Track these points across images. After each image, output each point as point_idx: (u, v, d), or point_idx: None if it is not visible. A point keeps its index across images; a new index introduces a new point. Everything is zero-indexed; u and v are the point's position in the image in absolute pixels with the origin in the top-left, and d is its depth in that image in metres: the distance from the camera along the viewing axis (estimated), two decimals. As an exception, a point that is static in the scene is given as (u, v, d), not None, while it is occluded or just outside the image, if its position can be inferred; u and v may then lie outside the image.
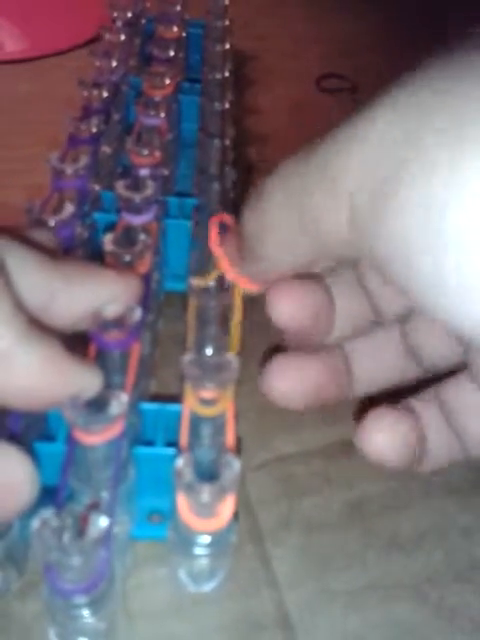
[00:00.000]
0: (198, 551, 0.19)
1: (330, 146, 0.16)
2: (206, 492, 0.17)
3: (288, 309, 0.20)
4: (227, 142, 0.31)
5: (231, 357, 0.19)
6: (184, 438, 0.20)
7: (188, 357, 0.19)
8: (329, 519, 0.24)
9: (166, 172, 0.30)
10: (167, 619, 0.21)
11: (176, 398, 0.22)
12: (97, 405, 0.18)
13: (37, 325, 0.17)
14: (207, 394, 0.19)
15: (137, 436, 0.23)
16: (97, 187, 0.30)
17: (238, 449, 0.20)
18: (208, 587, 0.22)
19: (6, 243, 0.17)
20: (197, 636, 0.21)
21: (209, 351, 0.20)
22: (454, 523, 0.25)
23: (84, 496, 0.19)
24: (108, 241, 0.23)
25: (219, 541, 0.19)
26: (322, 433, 0.27)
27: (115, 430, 0.18)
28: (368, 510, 0.25)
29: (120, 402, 0.18)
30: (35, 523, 0.16)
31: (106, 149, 0.31)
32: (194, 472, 0.18)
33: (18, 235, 0.19)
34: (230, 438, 0.20)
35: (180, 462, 0.18)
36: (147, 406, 0.23)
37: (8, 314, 0.16)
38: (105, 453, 0.19)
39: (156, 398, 0.24)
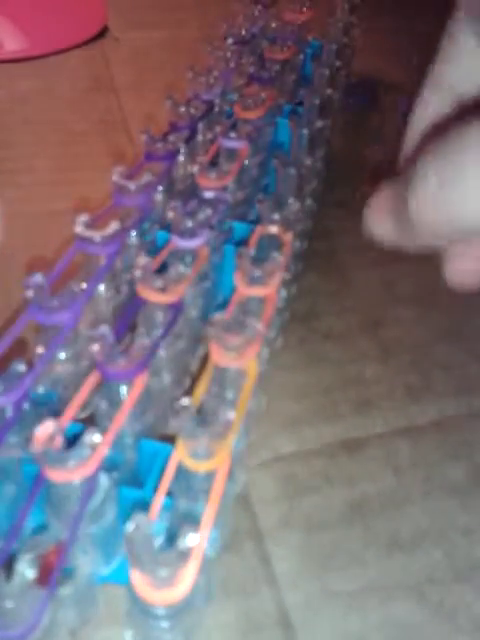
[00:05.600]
0: (153, 623, 0.17)
1: None
2: (159, 565, 0.16)
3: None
4: (303, 171, 0.30)
5: (230, 412, 0.18)
6: (161, 494, 0.18)
7: (183, 403, 0.18)
8: (329, 519, 0.24)
9: (237, 197, 0.29)
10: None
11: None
12: (72, 441, 0.17)
13: None
14: (197, 446, 0.18)
15: (133, 474, 0.22)
16: (165, 202, 0.29)
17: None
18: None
19: None
20: (196, 636, 0.21)
21: (214, 401, 0.19)
22: (454, 523, 0.24)
23: (55, 531, 0.19)
24: (137, 265, 0.23)
25: (177, 614, 0.17)
26: (322, 433, 0.27)
27: (85, 470, 0.17)
28: (368, 510, 0.25)
29: (92, 443, 0.17)
30: None
31: (185, 166, 0.30)
32: (151, 534, 0.16)
33: None
34: (210, 510, 0.18)
35: (132, 527, 0.16)
36: (145, 444, 0.22)
37: None
38: (74, 491, 0.18)
39: (167, 437, 0.23)
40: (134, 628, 0.19)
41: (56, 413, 0.22)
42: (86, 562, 0.19)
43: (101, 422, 0.21)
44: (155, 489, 0.20)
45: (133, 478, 0.22)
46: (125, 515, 0.20)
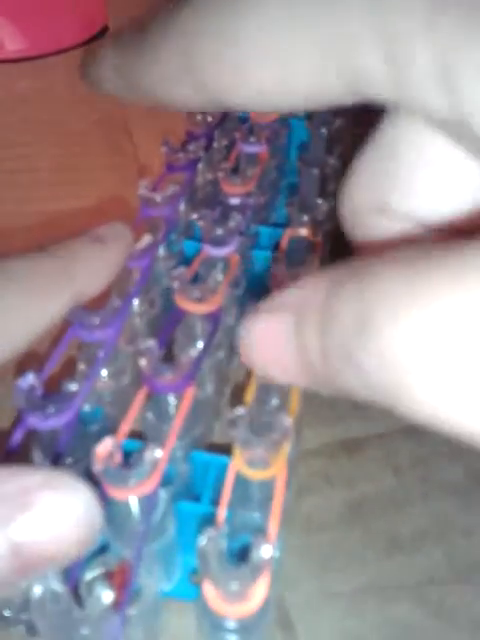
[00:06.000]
0: (224, 637, 0.17)
1: None
2: (233, 578, 0.15)
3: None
4: (328, 171, 0.30)
5: (285, 418, 0.18)
6: (223, 506, 0.18)
7: (238, 412, 0.18)
8: (329, 519, 0.24)
9: (260, 201, 0.29)
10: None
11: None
12: (132, 458, 0.17)
13: None
14: (254, 455, 0.17)
15: (187, 486, 0.22)
16: (190, 212, 0.29)
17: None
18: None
19: None
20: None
21: (266, 408, 0.19)
22: (454, 523, 0.24)
23: (118, 550, 0.18)
24: (174, 276, 0.22)
25: (249, 627, 0.17)
26: (321, 433, 0.27)
27: (146, 487, 0.17)
28: (368, 510, 0.25)
29: (153, 459, 0.17)
30: (37, 590, 0.15)
31: (205, 174, 0.30)
32: (223, 547, 0.16)
33: None
34: (273, 520, 0.17)
35: (204, 541, 0.16)
36: (197, 455, 0.22)
37: None
38: (136, 508, 0.18)
39: (213, 446, 0.23)
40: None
41: (105, 430, 0.22)
42: (151, 580, 0.19)
43: (150, 435, 0.21)
44: (211, 501, 0.20)
45: (186, 490, 0.22)
46: (183, 529, 0.20)
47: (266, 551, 0.16)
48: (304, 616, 0.22)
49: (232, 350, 0.28)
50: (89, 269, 0.18)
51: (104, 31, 0.56)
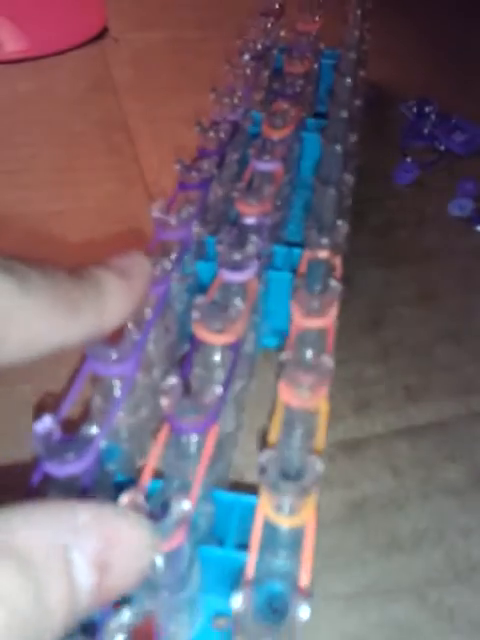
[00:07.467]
0: None
1: None
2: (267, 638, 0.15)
3: None
4: (343, 189, 0.29)
5: (315, 460, 0.17)
6: (253, 555, 0.17)
7: (267, 455, 0.17)
8: (329, 519, 0.24)
9: (276, 220, 0.28)
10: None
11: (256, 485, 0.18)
12: (157, 508, 0.16)
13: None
14: (283, 501, 0.17)
15: (210, 526, 0.21)
16: (203, 232, 0.28)
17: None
18: None
19: None
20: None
21: (293, 446, 0.18)
22: (454, 523, 0.24)
23: (142, 602, 0.17)
24: (196, 306, 0.21)
25: None
26: (322, 433, 0.27)
27: (173, 542, 0.16)
28: (367, 511, 0.25)
29: (181, 510, 0.16)
30: None
31: (217, 191, 0.29)
32: (256, 605, 0.15)
33: None
34: (305, 570, 0.17)
35: (238, 601, 0.15)
36: (220, 495, 0.21)
37: None
38: (162, 562, 0.17)
39: (235, 485, 0.23)
40: None
41: (122, 467, 0.21)
42: (175, 630, 0.18)
43: (169, 473, 0.20)
44: (236, 544, 0.19)
45: (208, 530, 0.21)
46: (206, 573, 0.19)
47: (304, 612, 0.15)
48: (304, 616, 0.22)
49: (249, 377, 0.27)
50: (115, 303, 0.18)
51: (104, 32, 0.56)
